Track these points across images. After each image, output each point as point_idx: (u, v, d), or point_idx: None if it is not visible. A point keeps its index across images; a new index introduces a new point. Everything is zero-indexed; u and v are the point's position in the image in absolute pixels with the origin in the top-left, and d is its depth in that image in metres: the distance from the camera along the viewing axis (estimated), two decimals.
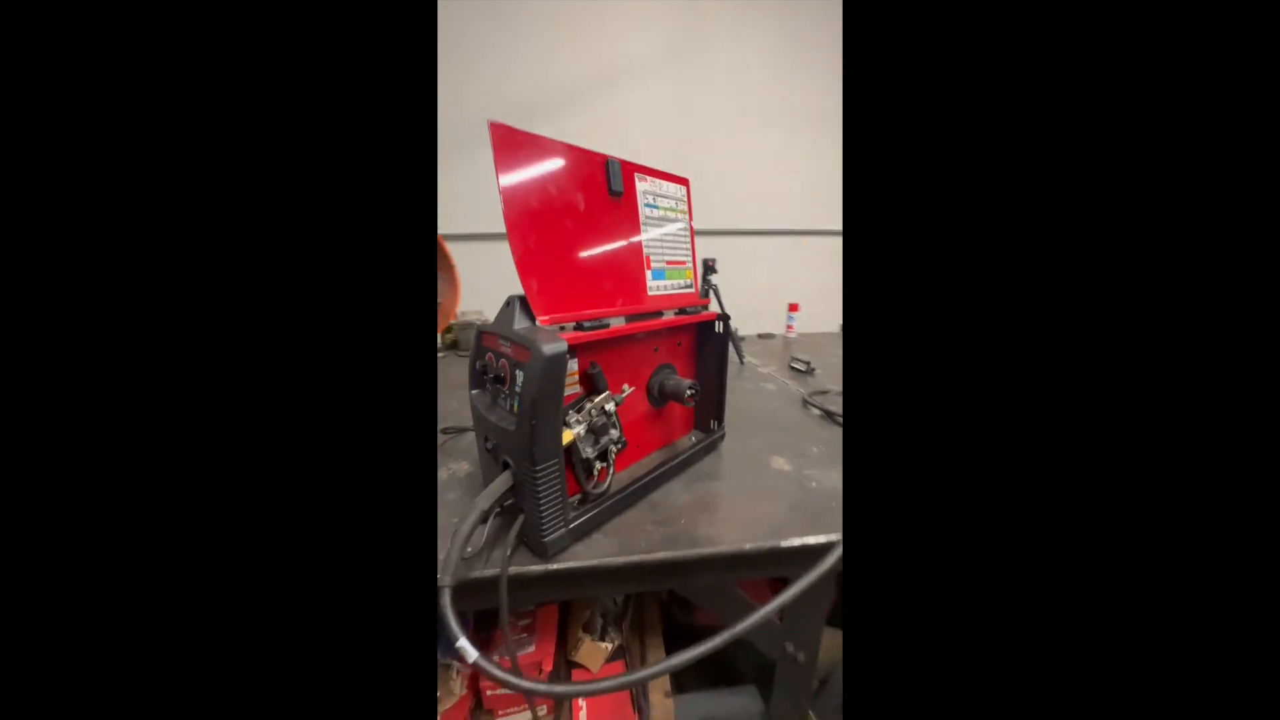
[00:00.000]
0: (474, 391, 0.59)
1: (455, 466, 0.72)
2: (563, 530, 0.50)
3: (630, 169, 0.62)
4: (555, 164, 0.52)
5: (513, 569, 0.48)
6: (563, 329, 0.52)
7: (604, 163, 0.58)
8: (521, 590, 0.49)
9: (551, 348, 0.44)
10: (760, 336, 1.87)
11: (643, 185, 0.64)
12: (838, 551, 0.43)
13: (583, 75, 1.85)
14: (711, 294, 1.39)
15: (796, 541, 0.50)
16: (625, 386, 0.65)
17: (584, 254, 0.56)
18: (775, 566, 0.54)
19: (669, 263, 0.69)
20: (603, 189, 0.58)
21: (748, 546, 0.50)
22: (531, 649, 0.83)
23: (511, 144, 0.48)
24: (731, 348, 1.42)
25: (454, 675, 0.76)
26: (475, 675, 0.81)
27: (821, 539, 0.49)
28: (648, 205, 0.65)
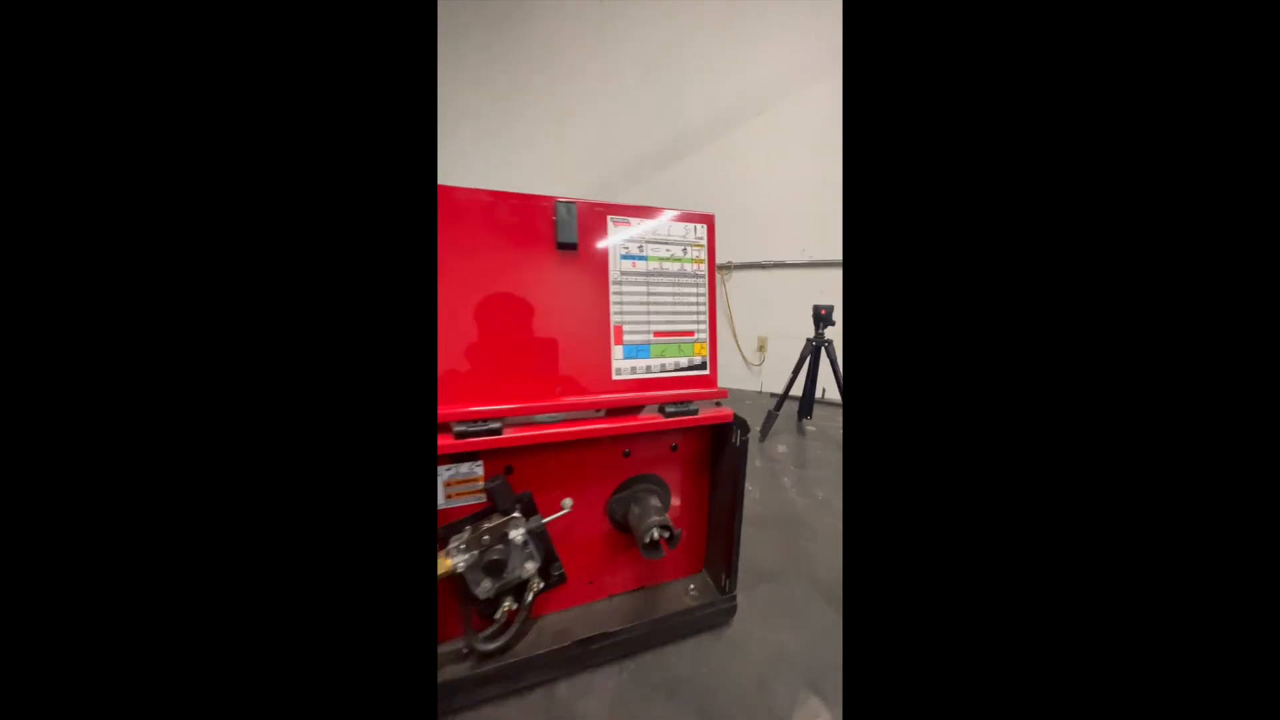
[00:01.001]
0: None
1: None
2: None
3: (602, 211, 0.46)
4: (463, 218, 0.41)
5: None
6: (453, 428, 0.40)
7: (551, 208, 0.44)
8: None
9: None
10: None
11: (620, 232, 0.46)
12: None
13: (732, 97, 1.80)
14: (824, 353, 1.03)
15: None
16: (565, 502, 0.48)
17: (497, 331, 0.42)
18: None
19: (659, 334, 0.49)
20: (547, 242, 0.44)
21: None
22: None
23: None
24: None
25: None
26: None
27: None
28: (625, 256, 0.47)
